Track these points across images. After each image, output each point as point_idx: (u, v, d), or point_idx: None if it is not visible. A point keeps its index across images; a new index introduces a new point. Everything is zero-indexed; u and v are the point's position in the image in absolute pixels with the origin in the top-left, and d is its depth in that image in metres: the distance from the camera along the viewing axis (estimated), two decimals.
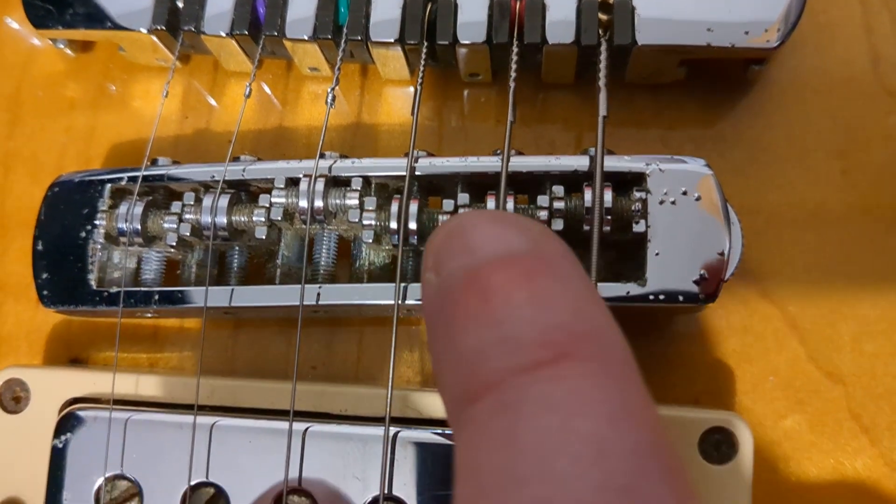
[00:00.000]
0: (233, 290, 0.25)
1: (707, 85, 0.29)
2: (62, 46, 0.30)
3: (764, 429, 0.27)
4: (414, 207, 0.24)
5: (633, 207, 0.24)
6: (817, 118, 0.29)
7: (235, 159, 0.26)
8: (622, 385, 0.15)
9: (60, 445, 0.25)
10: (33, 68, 0.32)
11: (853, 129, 0.29)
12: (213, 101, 0.30)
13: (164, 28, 0.27)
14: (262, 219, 0.25)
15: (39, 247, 0.26)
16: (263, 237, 0.25)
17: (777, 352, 0.27)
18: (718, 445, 0.24)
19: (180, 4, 0.27)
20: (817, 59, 0.29)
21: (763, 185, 0.28)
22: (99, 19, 0.28)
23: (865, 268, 0.27)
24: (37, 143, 0.31)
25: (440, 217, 0.24)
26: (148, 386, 0.25)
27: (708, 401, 0.27)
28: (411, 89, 0.30)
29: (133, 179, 0.26)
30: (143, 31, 0.27)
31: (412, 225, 0.24)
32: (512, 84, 0.25)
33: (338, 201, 0.25)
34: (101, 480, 0.24)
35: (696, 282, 0.24)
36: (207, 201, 0.25)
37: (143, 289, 0.25)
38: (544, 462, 0.13)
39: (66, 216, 0.26)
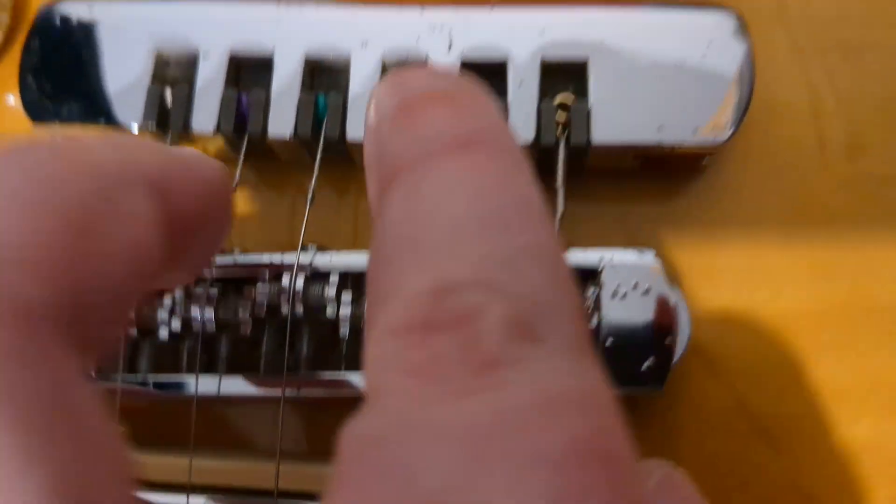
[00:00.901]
0: (220, 378, 0.27)
1: (662, 171, 0.31)
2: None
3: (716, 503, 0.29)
4: None
5: (587, 303, 0.26)
6: (765, 198, 0.31)
7: (222, 251, 0.28)
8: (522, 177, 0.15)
9: None
10: None
11: (799, 209, 0.31)
12: None
13: (154, 126, 0.29)
14: (247, 314, 0.27)
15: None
16: (248, 333, 0.27)
17: (727, 427, 0.29)
18: None
19: (169, 103, 0.29)
20: (766, 143, 0.31)
21: (714, 264, 0.30)
22: (92, 115, 0.30)
23: (809, 342, 0.30)
24: None
25: None
26: (142, 466, 0.27)
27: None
28: None
29: None
30: (135, 127, 0.29)
31: None
32: None
33: (317, 295, 0.27)
34: None
35: (645, 370, 0.26)
36: (196, 296, 0.27)
37: (136, 377, 0.28)
38: (437, 230, 0.14)
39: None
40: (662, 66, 0.28)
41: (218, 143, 0.30)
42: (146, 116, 0.29)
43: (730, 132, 0.28)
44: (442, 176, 0.15)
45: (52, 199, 0.15)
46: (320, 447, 0.30)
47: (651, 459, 0.21)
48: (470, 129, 0.15)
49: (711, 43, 0.28)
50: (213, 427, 0.30)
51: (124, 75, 0.30)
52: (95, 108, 0.30)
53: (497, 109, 0.17)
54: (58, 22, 0.31)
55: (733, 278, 0.30)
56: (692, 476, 0.29)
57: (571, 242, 0.28)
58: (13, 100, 0.34)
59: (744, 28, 0.28)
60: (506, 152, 0.15)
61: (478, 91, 0.17)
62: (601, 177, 0.31)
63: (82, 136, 0.17)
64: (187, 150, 0.20)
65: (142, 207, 0.16)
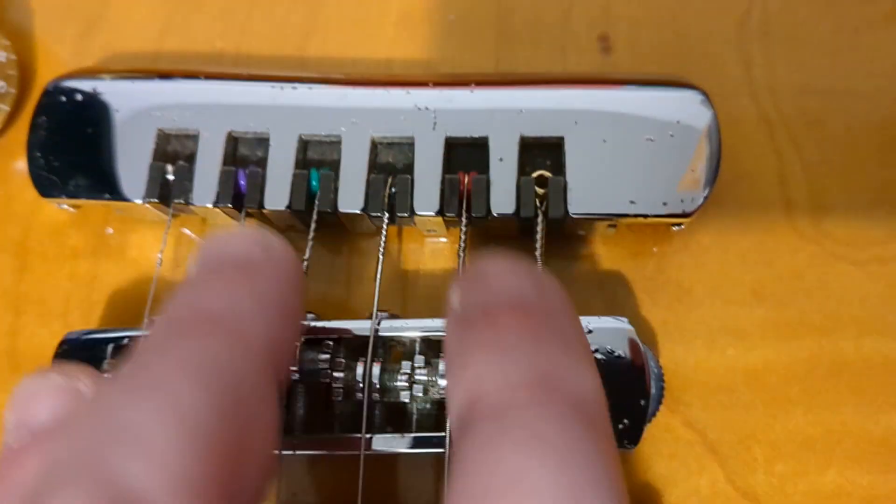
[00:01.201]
0: None
1: (636, 235, 0.32)
2: (65, 207, 0.34)
3: None
4: (377, 370, 0.28)
5: None
6: (735, 260, 0.33)
7: None
8: (592, 446, 0.18)
9: None
10: (39, 217, 0.35)
11: (766, 269, 0.33)
12: None
13: (156, 200, 0.31)
14: None
15: None
16: None
17: (699, 475, 0.31)
18: None
19: (171, 178, 0.31)
20: (736, 207, 0.33)
21: (686, 323, 0.32)
22: (98, 190, 0.32)
23: (776, 397, 0.31)
24: (44, 289, 0.34)
25: (399, 376, 0.28)
26: None
27: None
28: (378, 238, 0.34)
29: (133, 339, 0.30)
30: (138, 202, 0.31)
31: (375, 383, 0.28)
32: (461, 253, 0.29)
33: (311, 362, 0.29)
34: None
35: (620, 430, 0.28)
36: None
37: None
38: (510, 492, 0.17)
39: None
40: (634, 141, 0.30)
41: (218, 213, 0.31)
42: (149, 192, 0.31)
43: (699, 202, 0.30)
44: (517, 442, 0.17)
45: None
46: (310, 494, 0.31)
47: None
48: (554, 383, 0.18)
49: (680, 119, 0.30)
50: None
51: (128, 152, 0.32)
52: (100, 183, 0.32)
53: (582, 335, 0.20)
54: (63, 99, 0.33)
55: (706, 336, 0.32)
56: None
57: None
58: (22, 165, 0.36)
59: (709, 103, 0.30)
60: (589, 420, 0.19)
61: (563, 307, 0.20)
62: (580, 242, 0.33)
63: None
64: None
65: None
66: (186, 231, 0.35)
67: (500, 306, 0.20)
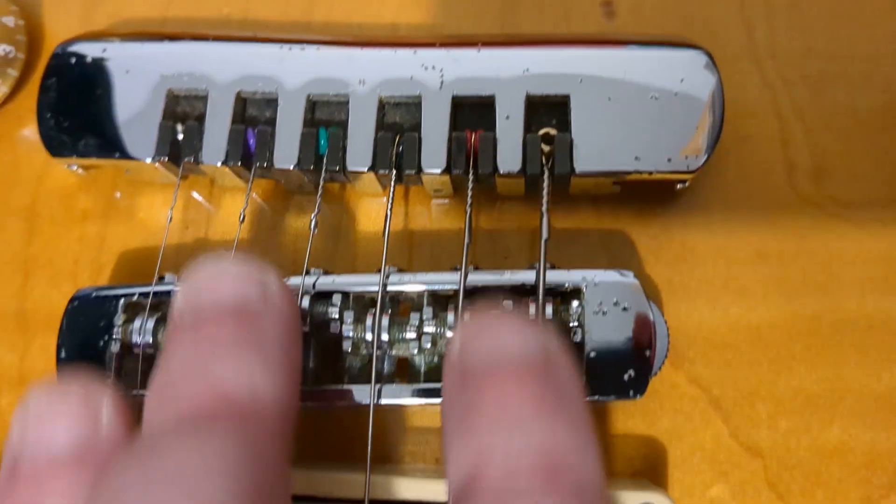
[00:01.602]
0: None
1: (640, 196, 0.33)
2: (74, 168, 0.34)
3: (693, 498, 0.31)
4: (385, 321, 0.28)
5: (571, 319, 0.28)
6: (738, 221, 0.33)
7: None
8: None
9: None
10: (48, 181, 0.36)
11: (769, 230, 0.33)
12: (211, 209, 0.35)
13: (166, 159, 0.31)
14: None
15: (62, 355, 0.30)
16: None
17: (703, 430, 0.31)
18: None
19: (180, 137, 0.31)
20: (738, 169, 0.34)
21: (690, 282, 0.32)
22: (108, 149, 0.32)
23: (779, 353, 0.32)
24: (53, 251, 0.35)
25: (408, 328, 0.28)
26: None
27: (645, 474, 0.31)
28: (384, 199, 0.34)
29: (144, 295, 0.30)
30: (148, 160, 0.31)
31: (384, 336, 0.28)
32: (468, 210, 0.30)
33: (321, 315, 0.29)
34: None
35: (626, 380, 0.28)
36: None
37: None
38: None
39: (85, 328, 0.30)
40: (638, 99, 0.30)
41: (227, 172, 0.32)
42: (158, 151, 0.31)
43: (702, 160, 0.30)
44: None
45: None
46: (323, 452, 0.31)
47: None
48: (557, 465, 0.18)
49: (684, 78, 0.30)
50: None
51: (137, 112, 0.32)
52: (110, 143, 0.32)
53: (584, 405, 0.20)
54: (73, 61, 0.33)
55: (709, 294, 0.32)
56: (671, 473, 0.31)
57: (557, 264, 0.30)
58: (29, 132, 0.36)
59: (713, 63, 0.31)
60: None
61: (567, 375, 0.20)
62: (585, 202, 0.33)
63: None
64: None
65: None
66: (196, 195, 0.35)
67: (506, 367, 0.20)
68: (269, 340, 0.22)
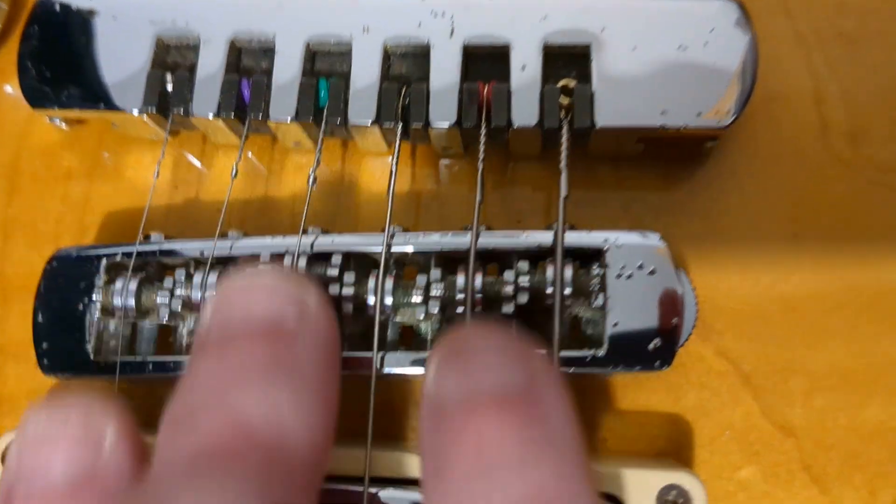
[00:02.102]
0: None
1: (665, 157, 0.30)
2: (57, 122, 0.32)
3: (721, 480, 0.28)
4: (390, 284, 0.26)
5: (592, 282, 0.26)
6: (769, 185, 0.31)
7: (223, 235, 0.28)
8: None
9: None
10: (31, 138, 0.33)
11: (803, 194, 0.31)
12: (203, 169, 0.32)
13: (154, 110, 0.29)
14: None
15: (40, 318, 0.28)
16: None
17: (732, 407, 0.29)
18: (675, 502, 0.26)
19: (170, 87, 0.29)
20: (770, 129, 0.31)
21: (719, 250, 0.30)
22: (93, 100, 0.30)
23: (814, 326, 0.29)
24: (34, 211, 0.32)
25: (414, 291, 0.26)
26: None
27: (669, 453, 0.29)
28: (389, 159, 0.32)
29: (127, 255, 0.28)
30: (135, 112, 0.29)
31: (388, 300, 0.26)
32: (480, 165, 0.27)
33: (319, 276, 0.26)
34: None
35: (652, 349, 0.26)
36: (198, 278, 0.27)
37: (137, 359, 0.27)
38: None
39: (64, 289, 0.28)
40: (665, 52, 0.28)
41: (219, 126, 0.29)
42: (146, 101, 0.29)
43: (733, 116, 0.28)
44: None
45: None
46: None
47: None
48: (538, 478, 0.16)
49: (714, 30, 0.28)
50: None
51: (124, 61, 0.30)
52: (95, 93, 0.30)
53: (573, 432, 0.18)
54: (57, 8, 0.31)
55: (738, 264, 0.30)
56: (698, 452, 0.28)
57: (577, 227, 0.28)
58: (11, 89, 0.34)
59: (747, 17, 0.28)
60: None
61: (553, 400, 0.18)
62: (605, 164, 0.31)
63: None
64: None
65: None
66: (187, 154, 0.33)
67: (483, 403, 0.17)
68: (304, 367, 0.19)
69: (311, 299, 0.20)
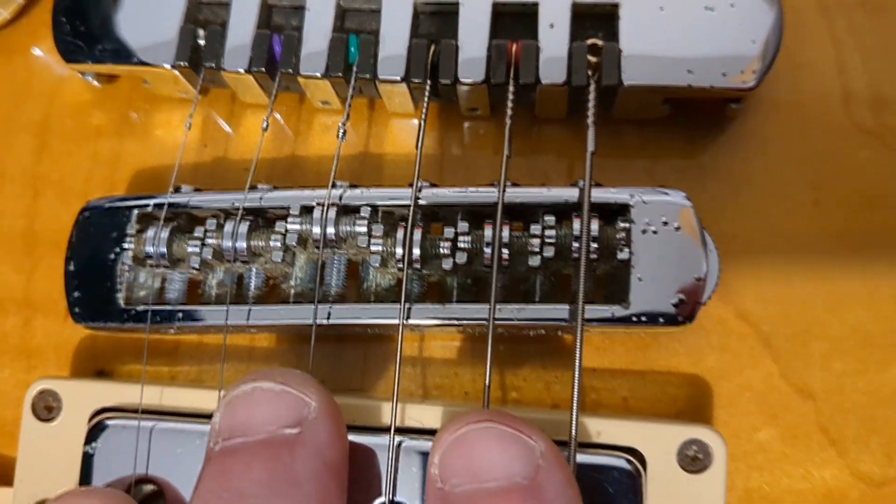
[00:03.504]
0: (250, 309, 0.27)
1: (689, 120, 0.31)
2: (89, 79, 0.32)
3: (739, 441, 0.29)
4: (417, 235, 0.26)
5: (617, 236, 0.26)
6: (792, 152, 0.31)
7: (253, 188, 0.28)
8: None
9: (91, 452, 0.27)
10: (60, 97, 0.34)
11: (825, 162, 0.31)
12: (230, 131, 0.33)
13: (186, 64, 0.29)
14: (279, 244, 0.27)
15: (71, 267, 0.28)
16: (279, 261, 0.27)
17: (752, 369, 0.29)
18: (695, 456, 0.26)
19: (202, 42, 0.30)
20: (792, 97, 0.31)
21: (740, 214, 0.30)
22: (126, 55, 0.30)
23: (835, 291, 0.30)
24: (64, 169, 0.33)
25: (441, 244, 0.27)
26: (171, 397, 0.27)
27: (688, 414, 0.29)
28: (415, 121, 0.32)
29: (158, 206, 0.28)
30: (167, 66, 0.30)
31: (416, 251, 0.26)
32: (508, 121, 0.28)
33: (348, 228, 0.27)
34: (129, 483, 0.26)
35: (675, 305, 0.26)
36: (228, 227, 0.27)
37: (167, 307, 0.28)
38: None
39: (95, 239, 0.28)
40: (692, 12, 0.28)
41: (250, 82, 0.30)
42: (178, 56, 0.29)
43: (757, 78, 0.28)
44: None
45: None
46: (342, 378, 0.30)
47: None
48: None
49: None
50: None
51: (157, 17, 0.30)
52: (128, 49, 0.30)
53: None
54: None
55: (760, 228, 0.30)
56: (717, 412, 0.29)
57: (602, 184, 0.28)
58: (39, 51, 0.35)
59: None
60: None
61: (558, 489, 0.19)
62: (629, 127, 0.31)
63: None
64: None
65: None
66: (215, 115, 0.33)
67: (487, 493, 0.18)
68: (303, 483, 0.20)
69: (312, 402, 0.21)
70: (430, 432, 0.26)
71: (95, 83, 0.32)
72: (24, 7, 0.34)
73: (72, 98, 0.34)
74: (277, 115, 0.32)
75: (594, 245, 0.26)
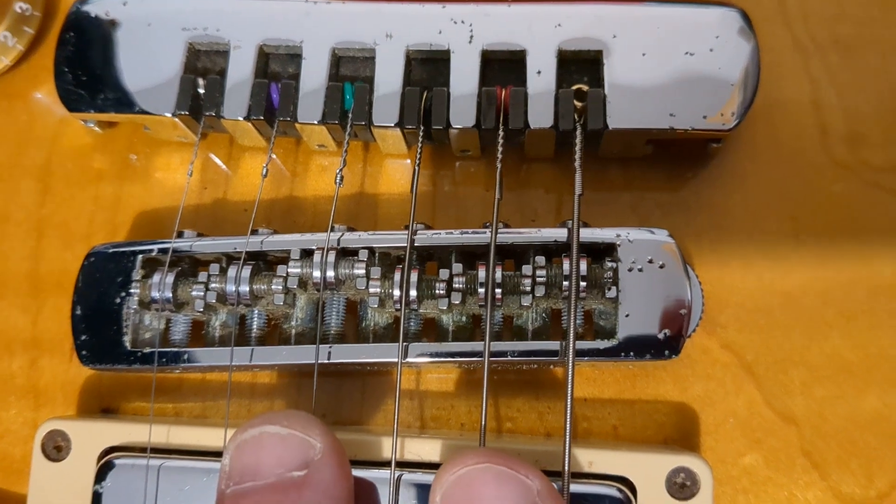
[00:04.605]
0: (253, 349, 0.28)
1: (672, 158, 0.32)
2: (91, 125, 0.33)
3: (725, 466, 0.30)
4: (414, 277, 0.27)
5: (605, 275, 0.28)
6: (771, 186, 0.32)
7: (254, 232, 0.29)
8: None
9: (101, 490, 0.28)
10: (62, 141, 0.35)
11: (803, 195, 0.32)
12: (229, 172, 0.34)
13: (187, 113, 0.30)
14: (280, 287, 0.28)
15: (78, 311, 0.29)
16: (281, 304, 0.28)
17: (736, 396, 0.30)
18: (683, 483, 0.27)
19: (202, 91, 0.31)
20: (771, 133, 0.33)
21: (722, 247, 0.32)
22: (127, 104, 0.31)
23: (814, 320, 0.31)
24: (67, 211, 0.34)
25: (437, 284, 0.28)
26: (178, 435, 0.28)
27: (676, 440, 0.30)
28: (408, 161, 0.33)
29: (163, 251, 0.29)
30: (168, 115, 0.31)
31: (412, 293, 0.27)
32: (499, 165, 0.29)
33: (347, 271, 0.28)
34: None
35: (661, 339, 0.27)
36: (231, 272, 0.28)
37: (173, 349, 0.29)
38: None
39: (101, 284, 0.29)
40: (673, 57, 0.30)
41: (248, 128, 0.31)
42: (179, 105, 0.30)
43: (736, 120, 0.29)
44: None
45: None
46: (341, 410, 0.31)
47: None
48: None
49: (719, 37, 0.30)
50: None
51: (157, 66, 0.31)
52: (129, 97, 0.31)
53: None
54: (92, 15, 0.32)
55: (742, 259, 0.32)
56: (704, 439, 0.30)
57: (589, 224, 0.29)
58: (41, 95, 0.36)
59: (749, 24, 0.30)
60: None
61: None
62: (615, 165, 0.32)
63: None
64: None
65: None
66: (214, 157, 0.34)
67: None
68: None
69: (317, 443, 0.22)
70: (429, 465, 0.27)
71: (97, 129, 0.33)
72: (24, 53, 0.35)
73: (73, 142, 0.35)
74: (275, 157, 0.33)
75: (583, 283, 0.27)
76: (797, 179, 0.32)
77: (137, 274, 0.29)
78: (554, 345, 0.28)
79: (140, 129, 0.33)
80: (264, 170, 0.30)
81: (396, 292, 0.27)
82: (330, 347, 0.28)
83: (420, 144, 0.30)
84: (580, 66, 0.30)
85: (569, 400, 0.26)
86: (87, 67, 0.31)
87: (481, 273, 0.27)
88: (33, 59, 0.36)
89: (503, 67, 0.31)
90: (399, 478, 0.27)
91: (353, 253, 0.28)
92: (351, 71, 0.31)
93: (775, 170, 0.32)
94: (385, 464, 0.27)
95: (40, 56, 0.36)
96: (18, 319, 0.33)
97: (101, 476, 0.28)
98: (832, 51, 0.34)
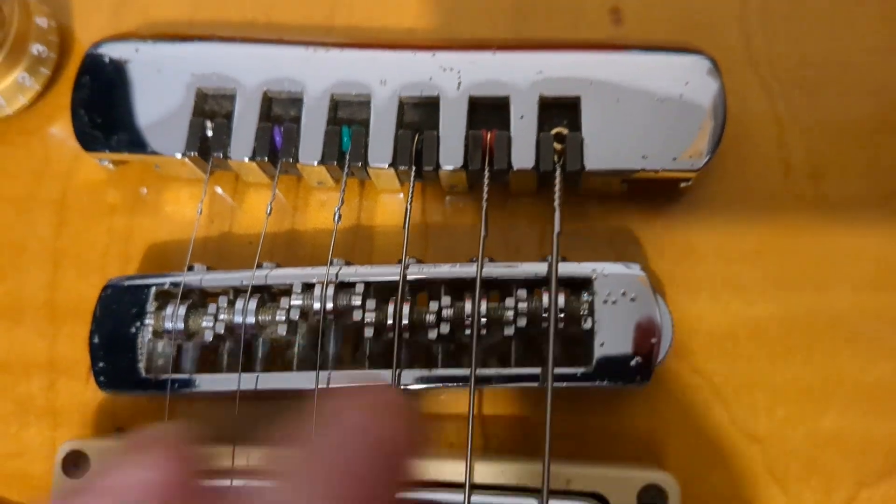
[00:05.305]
0: (258, 375, 0.31)
1: (645, 195, 0.34)
2: (105, 163, 0.35)
3: (694, 483, 0.32)
4: (407, 309, 0.30)
5: (582, 308, 0.30)
6: (737, 220, 0.35)
7: (259, 266, 0.32)
8: None
9: None
10: (76, 176, 0.37)
11: (768, 228, 0.34)
12: (234, 205, 0.36)
13: (196, 154, 0.33)
14: (283, 318, 0.30)
15: (95, 340, 0.31)
16: (284, 334, 0.30)
17: (704, 418, 0.33)
18: (653, 501, 0.30)
19: (210, 133, 0.33)
20: (738, 170, 0.35)
21: (692, 278, 0.34)
22: (140, 145, 0.33)
23: (778, 345, 0.33)
24: (82, 243, 0.36)
25: (428, 315, 0.30)
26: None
27: (648, 460, 0.33)
28: (401, 195, 0.36)
29: (175, 284, 0.31)
30: (178, 156, 0.33)
31: (405, 322, 0.30)
32: (484, 204, 0.31)
33: (345, 303, 0.30)
34: None
35: (633, 366, 0.30)
36: (239, 304, 0.31)
37: (185, 376, 0.31)
38: None
39: (117, 314, 0.31)
40: (646, 102, 0.32)
41: (253, 168, 0.33)
42: (189, 146, 0.33)
43: (705, 160, 0.32)
44: None
45: None
46: None
47: None
48: None
49: (689, 81, 0.32)
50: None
51: (168, 109, 0.34)
52: (142, 138, 0.33)
53: None
54: (106, 60, 0.34)
55: (710, 289, 0.34)
56: (674, 457, 0.32)
57: (567, 258, 0.32)
58: (57, 130, 0.38)
59: (716, 69, 0.32)
60: None
61: None
62: (593, 200, 0.35)
63: None
64: None
65: None
66: (220, 191, 0.36)
67: None
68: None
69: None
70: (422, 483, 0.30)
71: (110, 166, 0.36)
72: (40, 93, 0.38)
73: (87, 177, 0.37)
74: (278, 192, 0.36)
75: (561, 315, 0.30)
76: (762, 213, 0.35)
77: (151, 306, 0.31)
78: (535, 371, 0.30)
79: (150, 167, 0.36)
80: (269, 207, 0.32)
81: (390, 322, 0.30)
82: (329, 373, 0.30)
83: (412, 184, 0.32)
84: (560, 109, 0.33)
85: (548, 422, 0.29)
86: (101, 110, 0.34)
87: (468, 305, 0.30)
88: (49, 97, 0.38)
89: (489, 111, 0.33)
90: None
91: (350, 286, 0.31)
92: (348, 114, 0.33)
93: (742, 204, 0.35)
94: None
95: (55, 95, 0.38)
96: (37, 344, 0.35)
97: None
98: (796, 92, 0.36)
